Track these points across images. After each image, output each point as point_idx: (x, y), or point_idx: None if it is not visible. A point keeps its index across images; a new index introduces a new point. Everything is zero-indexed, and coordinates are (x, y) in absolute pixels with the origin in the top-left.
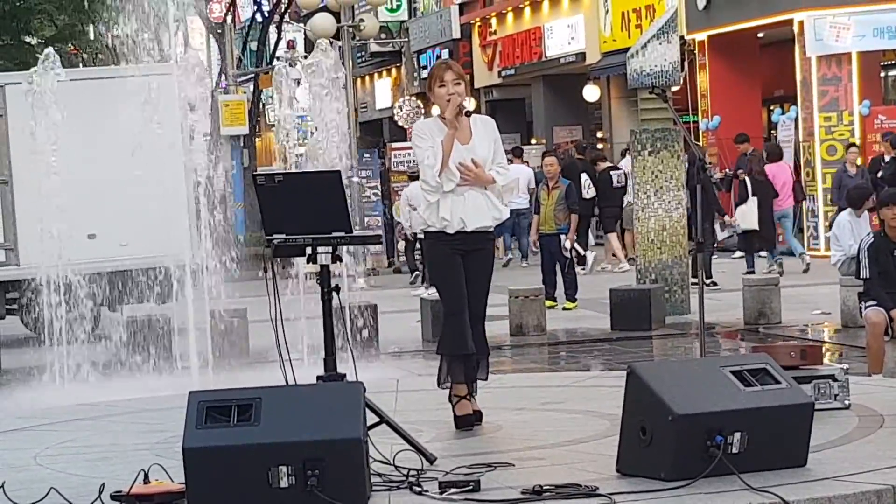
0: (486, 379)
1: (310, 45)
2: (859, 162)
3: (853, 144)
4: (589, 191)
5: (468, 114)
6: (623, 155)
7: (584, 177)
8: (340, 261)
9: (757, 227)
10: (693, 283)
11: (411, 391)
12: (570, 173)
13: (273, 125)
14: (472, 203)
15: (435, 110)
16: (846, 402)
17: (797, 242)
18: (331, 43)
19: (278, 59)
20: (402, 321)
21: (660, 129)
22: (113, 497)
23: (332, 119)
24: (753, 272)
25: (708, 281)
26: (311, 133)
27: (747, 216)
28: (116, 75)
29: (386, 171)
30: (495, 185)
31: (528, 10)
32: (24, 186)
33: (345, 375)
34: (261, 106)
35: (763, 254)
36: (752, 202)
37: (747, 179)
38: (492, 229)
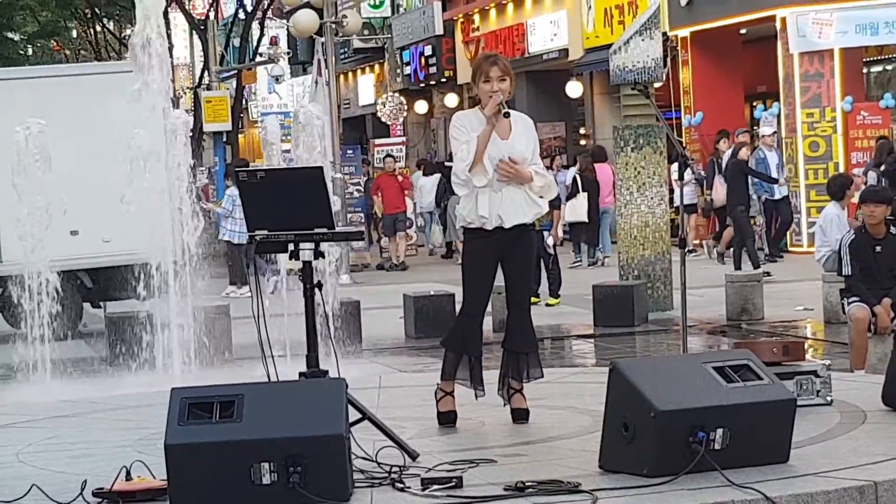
0: (542, 376)
1: (292, 41)
2: None
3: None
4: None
5: (506, 115)
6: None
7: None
8: (323, 257)
9: (586, 220)
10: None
11: (394, 387)
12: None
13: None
14: (510, 199)
15: (418, 106)
16: (828, 399)
17: (609, 240)
18: (313, 39)
19: (261, 55)
20: (385, 317)
21: (643, 126)
22: (95, 494)
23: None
24: (581, 262)
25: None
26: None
27: (577, 210)
28: (98, 71)
29: (369, 168)
30: (533, 184)
31: (510, 7)
32: (5, 182)
33: (327, 372)
34: (244, 102)
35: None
36: (582, 197)
37: (578, 177)
38: (531, 223)
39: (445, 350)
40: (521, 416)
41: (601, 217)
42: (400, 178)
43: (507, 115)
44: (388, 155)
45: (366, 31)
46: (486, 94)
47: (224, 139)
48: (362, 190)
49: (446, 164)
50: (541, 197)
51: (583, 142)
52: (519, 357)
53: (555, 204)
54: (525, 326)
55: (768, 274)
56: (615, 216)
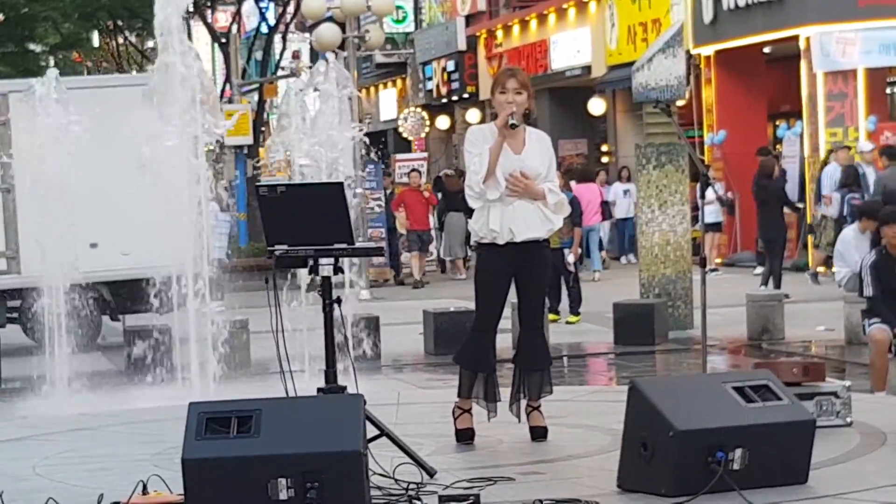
0: (552, 392)
1: (315, 56)
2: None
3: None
4: None
5: (513, 126)
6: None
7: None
8: (342, 272)
9: None
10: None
11: (412, 404)
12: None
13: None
14: (522, 213)
15: (440, 121)
16: (848, 420)
17: (598, 258)
18: (335, 54)
19: (282, 69)
20: (405, 333)
21: (664, 144)
22: None
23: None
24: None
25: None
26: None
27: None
28: (120, 84)
29: (390, 183)
30: (546, 201)
31: (534, 23)
32: (27, 194)
33: (345, 387)
34: (265, 115)
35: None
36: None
37: None
38: (544, 239)
39: (459, 367)
40: (539, 434)
41: (588, 235)
42: (426, 193)
43: (513, 126)
44: (414, 170)
45: (388, 46)
46: (502, 105)
47: (245, 153)
48: (383, 205)
49: (441, 174)
50: (554, 214)
51: (604, 159)
52: (532, 375)
53: (576, 221)
54: (538, 344)
55: (787, 296)
56: (600, 233)
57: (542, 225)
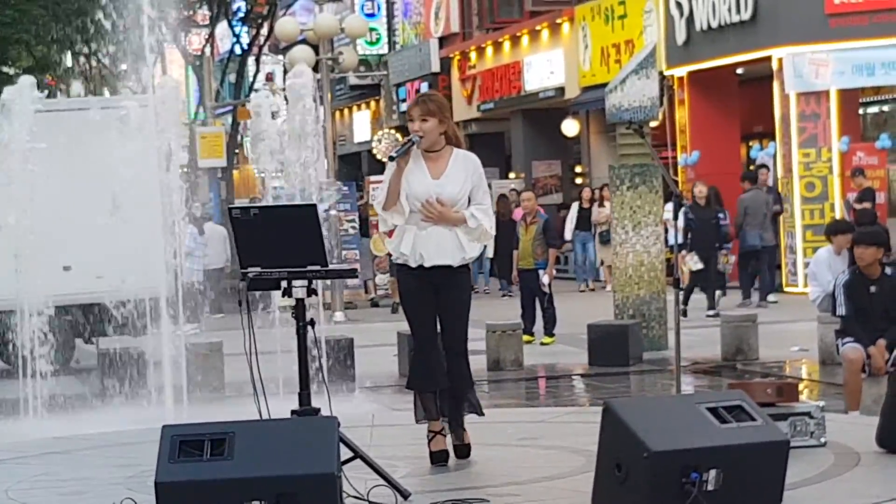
0: (482, 414)
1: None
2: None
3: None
4: None
5: (410, 144)
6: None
7: None
8: (316, 294)
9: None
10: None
11: (386, 426)
12: None
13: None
14: (436, 240)
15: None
16: (822, 440)
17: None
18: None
19: (256, 91)
20: (379, 355)
21: (638, 165)
22: None
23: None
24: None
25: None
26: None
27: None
28: (93, 106)
29: (364, 205)
30: (466, 226)
31: (507, 45)
32: None
33: (319, 410)
34: (239, 138)
35: None
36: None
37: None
38: (461, 265)
39: (413, 392)
40: (462, 452)
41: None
42: None
43: (410, 144)
44: None
45: (362, 68)
46: (413, 132)
47: (219, 175)
48: (357, 227)
49: None
50: (475, 241)
51: (578, 180)
52: (453, 400)
53: (551, 243)
54: (460, 370)
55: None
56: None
57: (456, 252)
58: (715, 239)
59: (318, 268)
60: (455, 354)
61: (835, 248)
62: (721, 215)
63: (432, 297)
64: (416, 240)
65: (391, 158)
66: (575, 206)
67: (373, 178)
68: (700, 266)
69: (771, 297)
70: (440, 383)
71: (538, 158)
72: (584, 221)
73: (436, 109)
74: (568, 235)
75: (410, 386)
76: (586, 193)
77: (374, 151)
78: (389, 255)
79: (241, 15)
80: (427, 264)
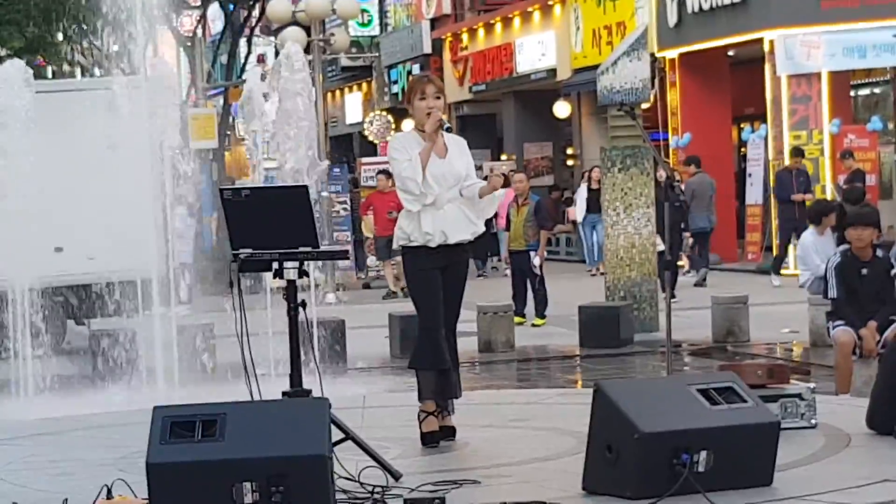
0: (460, 396)
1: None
2: None
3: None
4: None
5: (448, 129)
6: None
7: None
8: (307, 276)
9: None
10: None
11: (378, 407)
12: None
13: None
14: (453, 216)
15: (406, 125)
16: (813, 422)
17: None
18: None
19: (248, 72)
20: (371, 337)
21: (629, 147)
22: None
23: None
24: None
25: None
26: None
27: None
28: (84, 88)
29: (355, 186)
30: (477, 200)
31: (499, 26)
32: None
33: (310, 391)
34: (230, 119)
35: None
36: None
37: None
38: (469, 242)
39: (416, 371)
40: (448, 433)
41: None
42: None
43: (449, 129)
44: (382, 171)
45: (353, 50)
46: (423, 111)
47: (210, 157)
48: (349, 209)
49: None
50: (479, 216)
51: (570, 162)
52: (448, 378)
53: (542, 225)
54: (454, 347)
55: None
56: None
57: (468, 227)
58: (680, 221)
59: (309, 249)
60: (452, 333)
61: (819, 229)
62: (684, 198)
63: (440, 279)
64: (436, 219)
65: (448, 129)
66: (583, 188)
67: (364, 159)
68: (663, 248)
69: (776, 282)
70: (446, 363)
71: (529, 140)
72: (593, 203)
73: (443, 89)
74: (579, 217)
75: (414, 364)
76: (595, 174)
77: (366, 133)
78: (375, 237)
79: None
80: (451, 241)
